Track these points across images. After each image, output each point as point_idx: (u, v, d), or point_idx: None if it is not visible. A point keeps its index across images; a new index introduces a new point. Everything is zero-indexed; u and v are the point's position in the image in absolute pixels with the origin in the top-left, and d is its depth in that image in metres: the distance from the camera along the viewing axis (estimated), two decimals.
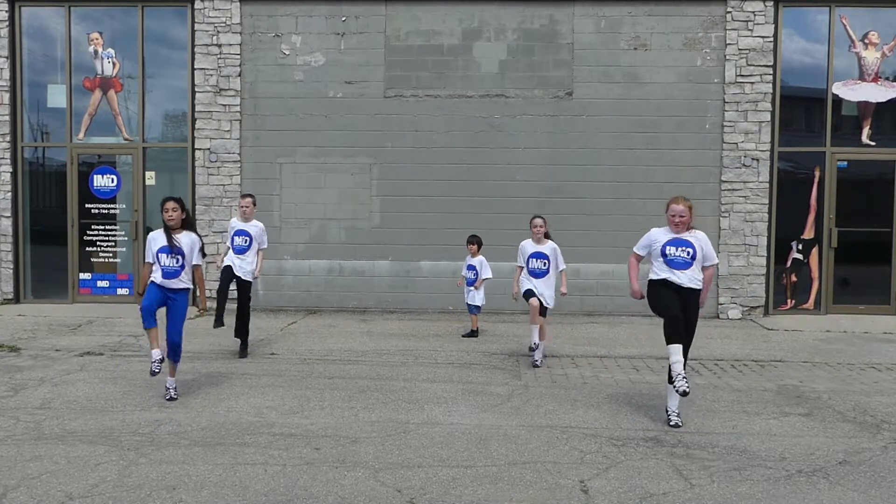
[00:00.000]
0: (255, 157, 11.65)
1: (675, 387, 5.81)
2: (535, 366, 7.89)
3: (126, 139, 11.94)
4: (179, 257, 6.55)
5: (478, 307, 9.64)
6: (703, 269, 5.98)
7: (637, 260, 6.26)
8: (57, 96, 11.95)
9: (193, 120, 11.65)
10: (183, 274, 6.58)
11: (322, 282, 11.73)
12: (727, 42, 11.23)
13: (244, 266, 8.34)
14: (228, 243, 8.52)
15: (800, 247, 11.52)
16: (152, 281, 6.58)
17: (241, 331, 8.43)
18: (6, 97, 11.74)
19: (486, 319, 10.47)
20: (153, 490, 4.55)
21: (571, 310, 11.22)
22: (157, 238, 6.63)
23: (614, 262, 11.21)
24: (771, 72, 11.21)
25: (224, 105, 11.59)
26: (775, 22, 11.23)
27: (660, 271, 5.97)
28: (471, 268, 9.63)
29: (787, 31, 11.43)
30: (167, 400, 6.54)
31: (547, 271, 8.01)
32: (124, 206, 11.93)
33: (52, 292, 12.05)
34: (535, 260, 8.02)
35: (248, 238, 8.39)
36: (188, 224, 6.74)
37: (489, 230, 10.57)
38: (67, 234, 11.93)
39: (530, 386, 7.17)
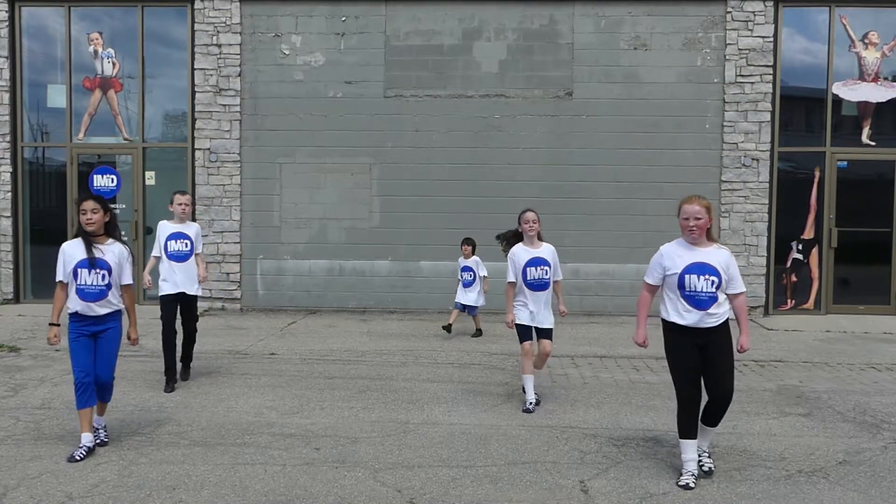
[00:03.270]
0: (255, 157, 11.65)
1: (678, 480, 4.72)
2: (528, 411, 6.26)
3: (126, 139, 11.93)
4: (105, 273, 5.16)
5: (475, 307, 9.64)
6: (731, 297, 4.76)
7: (650, 293, 4.98)
8: (57, 96, 11.95)
9: (193, 120, 11.65)
10: (111, 294, 5.22)
11: (322, 282, 11.72)
12: (727, 42, 11.23)
13: (187, 281, 7.10)
14: (158, 252, 7.12)
15: (800, 247, 11.52)
16: (73, 317, 5.20)
17: (186, 352, 7.33)
18: (6, 97, 11.74)
19: (486, 319, 10.45)
20: (153, 490, 4.55)
21: (571, 310, 11.15)
22: (74, 251, 5.19)
23: (614, 262, 11.24)
24: (771, 72, 11.21)
25: (224, 105, 11.59)
26: (775, 22, 11.23)
27: (675, 312, 4.76)
28: (467, 269, 9.62)
29: (787, 31, 11.43)
30: (87, 449, 5.06)
31: (549, 281, 6.38)
32: (124, 206, 11.91)
33: (52, 292, 11.85)
34: (535, 268, 6.30)
35: (188, 242, 7.12)
36: (112, 230, 5.32)
37: (489, 230, 10.48)
38: (67, 235, 11.90)
39: None
